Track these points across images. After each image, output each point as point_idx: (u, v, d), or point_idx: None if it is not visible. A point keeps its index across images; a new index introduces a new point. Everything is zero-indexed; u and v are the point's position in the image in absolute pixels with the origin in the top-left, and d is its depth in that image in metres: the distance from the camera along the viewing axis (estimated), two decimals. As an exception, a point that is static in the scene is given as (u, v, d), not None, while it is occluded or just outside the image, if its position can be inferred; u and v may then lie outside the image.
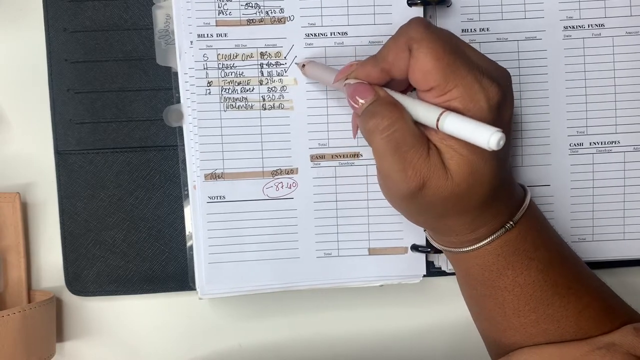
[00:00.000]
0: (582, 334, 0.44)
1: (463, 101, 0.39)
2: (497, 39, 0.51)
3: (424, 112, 0.40)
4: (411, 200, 0.41)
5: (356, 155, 0.51)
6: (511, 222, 0.44)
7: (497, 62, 0.43)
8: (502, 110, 0.40)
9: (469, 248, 0.44)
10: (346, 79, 0.44)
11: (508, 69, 0.43)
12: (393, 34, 0.42)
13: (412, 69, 0.40)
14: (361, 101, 0.43)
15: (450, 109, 0.39)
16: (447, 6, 0.50)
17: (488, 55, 0.42)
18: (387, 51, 0.42)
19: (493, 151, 0.37)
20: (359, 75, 0.44)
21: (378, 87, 0.43)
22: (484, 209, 0.42)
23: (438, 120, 0.39)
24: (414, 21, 0.41)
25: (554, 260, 0.45)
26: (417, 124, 0.41)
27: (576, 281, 0.45)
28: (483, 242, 0.44)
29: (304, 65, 0.50)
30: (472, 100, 0.39)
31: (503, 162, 0.42)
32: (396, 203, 0.44)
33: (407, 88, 0.45)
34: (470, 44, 0.42)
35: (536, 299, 0.44)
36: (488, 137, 0.36)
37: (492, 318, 0.46)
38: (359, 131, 0.44)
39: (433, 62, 0.39)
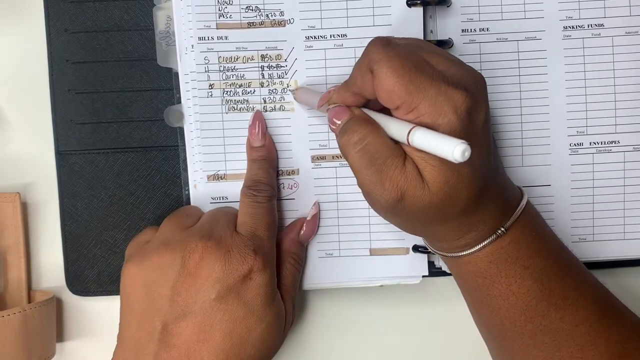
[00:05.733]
0: (577, 350, 0.43)
1: (431, 116, 0.39)
2: (497, 39, 0.51)
3: (395, 128, 0.40)
4: (393, 211, 0.41)
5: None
6: (502, 229, 0.43)
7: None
8: (473, 117, 0.40)
9: (460, 254, 0.44)
10: (328, 104, 0.45)
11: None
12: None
13: (376, 89, 0.40)
14: (338, 122, 0.43)
15: (421, 125, 0.39)
16: (447, 6, 0.50)
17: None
18: (354, 75, 0.42)
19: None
20: (336, 101, 0.44)
21: (355, 107, 0.43)
22: (468, 215, 0.42)
23: (408, 136, 0.39)
24: (373, 41, 0.41)
25: (551, 269, 0.44)
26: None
27: (574, 290, 0.44)
28: (474, 249, 0.43)
29: (295, 91, 0.50)
30: (440, 113, 0.38)
31: (482, 168, 0.41)
32: (381, 214, 0.44)
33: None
34: (447, 50, 0.41)
35: (532, 310, 0.43)
36: (452, 150, 0.36)
37: (489, 325, 0.46)
38: None
39: (394, 80, 0.39)
